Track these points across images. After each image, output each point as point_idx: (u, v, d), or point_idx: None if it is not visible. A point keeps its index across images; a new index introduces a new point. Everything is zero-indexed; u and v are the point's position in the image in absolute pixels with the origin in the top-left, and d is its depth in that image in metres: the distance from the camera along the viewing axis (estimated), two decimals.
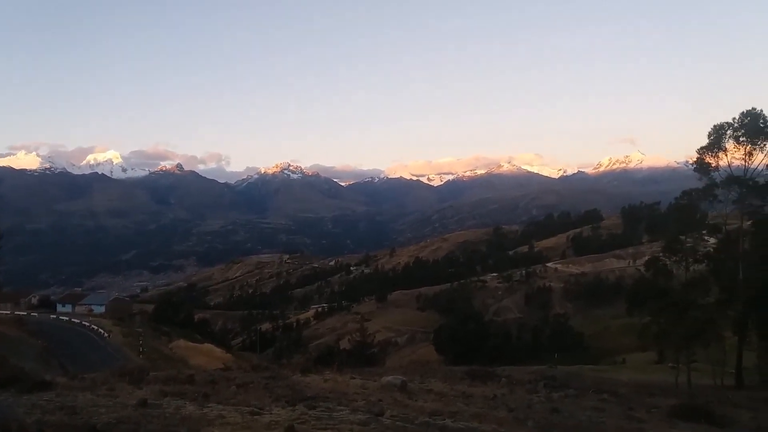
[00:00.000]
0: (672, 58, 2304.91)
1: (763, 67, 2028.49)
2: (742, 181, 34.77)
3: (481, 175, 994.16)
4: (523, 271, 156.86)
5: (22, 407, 8.73)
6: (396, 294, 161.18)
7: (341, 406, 10.90)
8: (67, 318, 79.18)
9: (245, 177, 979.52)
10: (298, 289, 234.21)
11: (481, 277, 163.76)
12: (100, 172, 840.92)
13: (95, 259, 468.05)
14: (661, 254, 40.26)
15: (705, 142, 36.01)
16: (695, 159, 36.83)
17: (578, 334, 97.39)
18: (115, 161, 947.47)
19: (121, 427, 7.86)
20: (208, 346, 72.15)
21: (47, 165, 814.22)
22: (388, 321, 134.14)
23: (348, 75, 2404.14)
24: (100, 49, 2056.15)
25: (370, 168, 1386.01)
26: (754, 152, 34.62)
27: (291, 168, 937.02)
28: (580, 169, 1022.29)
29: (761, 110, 34.31)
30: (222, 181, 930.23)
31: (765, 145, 34.27)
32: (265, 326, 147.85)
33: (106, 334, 63.66)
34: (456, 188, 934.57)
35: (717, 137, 35.45)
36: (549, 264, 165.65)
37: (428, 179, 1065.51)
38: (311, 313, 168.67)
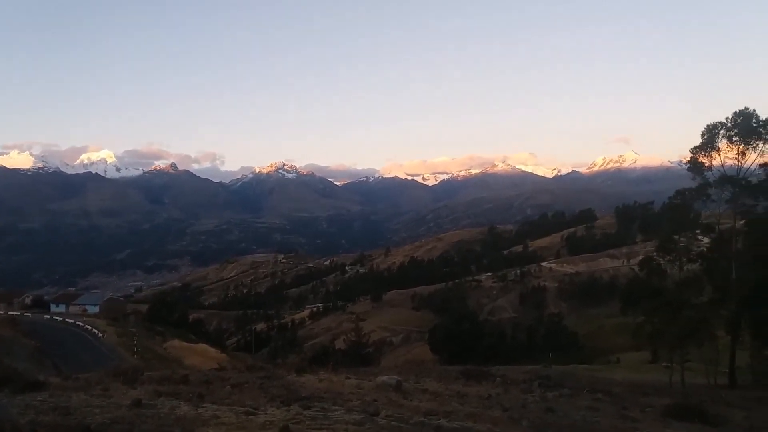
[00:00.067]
0: (666, 58, 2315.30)
1: (758, 67, 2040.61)
2: (735, 180, 34.88)
3: (476, 175, 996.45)
4: (518, 271, 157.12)
5: (16, 408, 8.68)
6: (391, 294, 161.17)
7: (336, 406, 10.90)
8: (61, 318, 78.83)
9: (240, 176, 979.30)
10: (293, 289, 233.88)
11: (476, 277, 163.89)
12: (93, 172, 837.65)
13: (89, 259, 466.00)
14: (654, 254, 40.37)
15: (698, 141, 36.16)
16: (689, 159, 36.92)
17: (572, 334, 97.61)
18: (109, 160, 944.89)
19: (116, 428, 7.83)
20: (202, 346, 72.01)
21: (40, 164, 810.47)
22: (383, 321, 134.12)
23: (343, 75, 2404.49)
24: (93, 49, 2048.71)
25: (365, 167, 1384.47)
26: (747, 152, 34.72)
27: (286, 167, 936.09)
28: (575, 169, 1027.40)
29: (754, 110, 34.46)
30: (216, 180, 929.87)
31: (758, 144, 34.37)
32: (260, 326, 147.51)
33: (100, 334, 63.40)
34: (451, 188, 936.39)
35: (710, 137, 35.57)
36: (543, 263, 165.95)
37: (423, 179, 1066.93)
38: (306, 312, 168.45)
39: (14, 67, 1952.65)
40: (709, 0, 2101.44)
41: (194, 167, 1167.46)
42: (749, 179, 35.21)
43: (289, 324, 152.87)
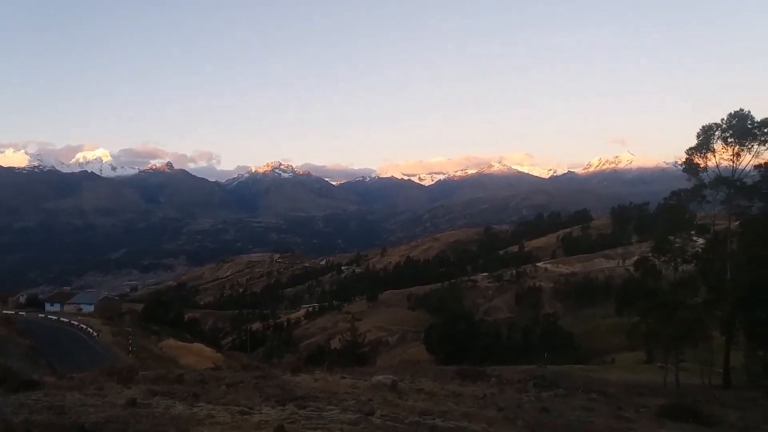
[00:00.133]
0: (662, 58, 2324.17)
1: (756, 67, 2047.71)
2: (730, 181, 35.02)
3: (472, 175, 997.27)
4: (514, 271, 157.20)
5: (10, 407, 8.64)
6: (387, 293, 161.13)
7: (331, 406, 10.88)
8: (56, 317, 78.54)
9: (236, 176, 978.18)
10: (289, 289, 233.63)
11: (472, 277, 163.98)
12: (89, 171, 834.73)
13: (84, 258, 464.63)
14: (650, 254, 40.48)
15: (694, 143, 36.29)
16: (684, 160, 37.05)
17: (568, 334, 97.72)
18: (105, 159, 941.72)
19: (110, 427, 7.80)
20: (198, 346, 71.88)
21: (36, 163, 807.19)
22: (378, 320, 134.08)
23: (340, 75, 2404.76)
24: (89, 48, 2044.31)
25: (362, 167, 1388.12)
26: (741, 153, 34.87)
27: (282, 167, 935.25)
28: (570, 170, 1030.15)
29: (749, 111, 34.62)
30: (212, 179, 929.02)
31: (753, 146, 34.52)
32: (256, 326, 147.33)
33: (95, 334, 63.19)
34: (447, 188, 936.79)
35: (705, 138, 35.68)
36: (539, 264, 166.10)
37: (419, 179, 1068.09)
38: (302, 312, 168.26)
39: (10, 66, 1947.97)
40: (707, 0, 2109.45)
41: (190, 166, 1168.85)
42: (744, 180, 35.38)
43: (285, 324, 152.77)
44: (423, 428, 9.60)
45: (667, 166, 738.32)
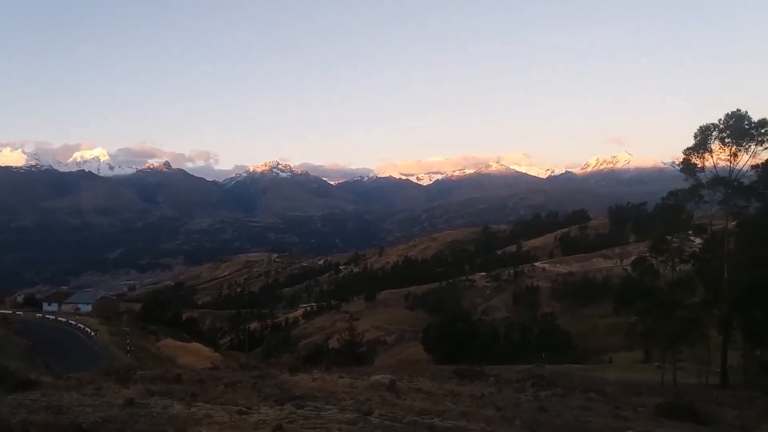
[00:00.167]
0: (660, 59, 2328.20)
1: (755, 67, 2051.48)
2: (727, 182, 35.06)
3: (470, 175, 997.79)
4: (511, 271, 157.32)
5: (7, 407, 8.63)
6: (385, 293, 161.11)
7: (329, 405, 10.89)
8: (53, 317, 78.37)
9: (234, 175, 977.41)
10: (287, 288, 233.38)
11: (470, 277, 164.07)
12: (86, 170, 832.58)
13: (81, 258, 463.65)
14: (647, 254, 40.51)
15: (691, 143, 36.34)
16: (681, 160, 37.07)
17: (566, 334, 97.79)
18: (102, 159, 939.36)
19: (108, 427, 7.79)
20: (195, 345, 71.76)
21: (33, 162, 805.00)
22: (377, 320, 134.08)
23: (337, 75, 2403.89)
24: (87, 47, 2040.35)
25: (360, 167, 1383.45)
26: (739, 153, 34.91)
27: (280, 166, 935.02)
28: (568, 170, 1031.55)
29: (746, 112, 34.66)
30: (210, 179, 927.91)
31: (750, 146, 34.57)
32: (254, 325, 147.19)
33: (92, 333, 63.08)
34: (445, 188, 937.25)
35: (703, 138, 35.72)
36: (537, 263, 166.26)
37: (417, 178, 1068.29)
38: (300, 312, 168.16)
39: (7, 66, 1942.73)
40: (706, 0, 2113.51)
41: (188, 166, 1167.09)
42: (741, 180, 35.42)
43: (283, 323, 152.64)
44: (421, 428, 9.61)
45: (665, 166, 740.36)
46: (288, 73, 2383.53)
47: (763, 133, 33.94)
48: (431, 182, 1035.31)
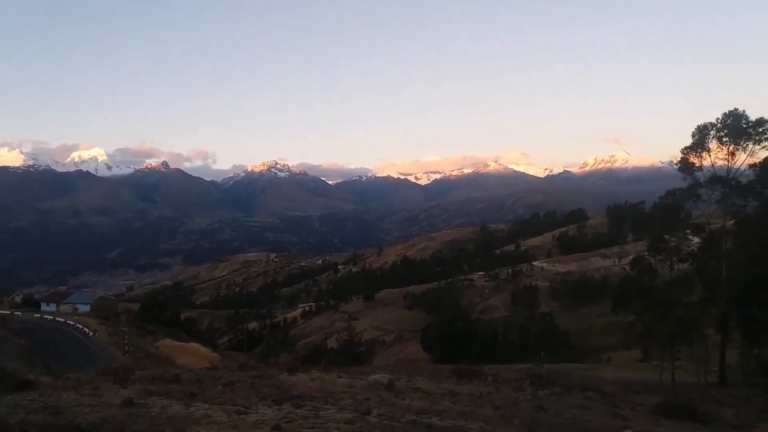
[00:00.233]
0: (658, 58, 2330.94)
1: (755, 67, 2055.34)
2: (725, 181, 35.12)
3: (468, 174, 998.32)
4: (510, 270, 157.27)
5: (5, 407, 8.62)
6: (383, 293, 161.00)
7: (328, 405, 10.88)
8: (52, 317, 78.39)
9: (232, 175, 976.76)
10: (286, 288, 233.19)
11: (468, 276, 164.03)
12: (84, 170, 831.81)
13: (80, 258, 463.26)
14: (645, 253, 40.59)
15: (689, 142, 36.39)
16: (679, 159, 37.15)
17: (564, 333, 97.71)
18: (100, 159, 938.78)
19: (106, 427, 7.78)
20: (194, 345, 71.71)
21: (31, 162, 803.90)
22: (375, 320, 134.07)
23: (336, 75, 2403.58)
24: (85, 46, 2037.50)
25: (358, 167, 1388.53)
26: (736, 152, 34.99)
27: (278, 166, 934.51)
28: (566, 169, 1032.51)
29: (743, 111, 34.72)
30: (208, 179, 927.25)
31: (747, 145, 34.63)
32: (252, 325, 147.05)
33: (91, 333, 63.06)
34: (443, 187, 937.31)
35: (700, 137, 35.79)
36: (535, 263, 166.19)
37: (416, 178, 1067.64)
38: (298, 312, 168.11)
39: (5, 66, 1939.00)
40: (706, 0, 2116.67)
41: (186, 165, 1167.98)
42: (739, 179, 35.47)
43: (282, 323, 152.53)
44: (420, 427, 9.61)
45: (663, 165, 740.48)
46: (286, 72, 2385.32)
47: (760, 132, 34.02)
48: (429, 182, 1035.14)
